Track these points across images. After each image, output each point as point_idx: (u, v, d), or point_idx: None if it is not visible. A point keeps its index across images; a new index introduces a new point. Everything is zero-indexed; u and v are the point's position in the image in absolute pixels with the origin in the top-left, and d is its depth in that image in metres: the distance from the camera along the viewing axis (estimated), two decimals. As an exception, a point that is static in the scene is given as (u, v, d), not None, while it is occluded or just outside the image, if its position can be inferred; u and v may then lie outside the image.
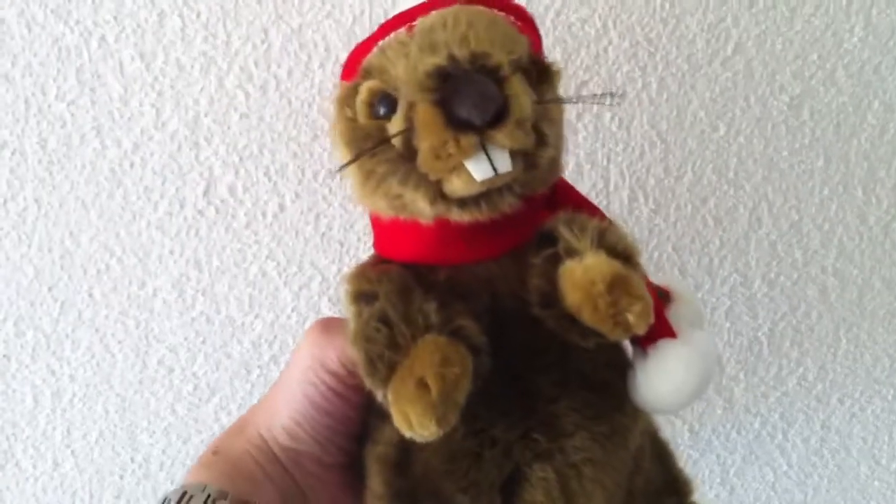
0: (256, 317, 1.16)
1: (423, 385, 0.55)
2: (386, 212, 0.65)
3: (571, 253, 0.62)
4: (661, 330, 0.66)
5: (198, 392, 1.18)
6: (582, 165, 1.16)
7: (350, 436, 0.75)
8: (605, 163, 1.17)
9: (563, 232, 0.63)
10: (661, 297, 0.75)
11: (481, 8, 0.62)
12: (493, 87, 0.55)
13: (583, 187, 1.14)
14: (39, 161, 1.06)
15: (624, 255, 0.63)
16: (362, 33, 1.06)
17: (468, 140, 0.55)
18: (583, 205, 0.71)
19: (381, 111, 0.61)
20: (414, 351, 0.58)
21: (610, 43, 1.13)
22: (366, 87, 0.62)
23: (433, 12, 0.61)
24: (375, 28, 0.65)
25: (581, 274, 0.59)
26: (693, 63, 1.16)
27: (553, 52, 1.12)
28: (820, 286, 1.29)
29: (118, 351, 1.15)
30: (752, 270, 1.26)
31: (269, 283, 1.15)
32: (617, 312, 0.57)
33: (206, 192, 1.10)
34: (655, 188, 1.20)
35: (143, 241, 1.11)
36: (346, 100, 0.64)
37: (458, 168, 0.56)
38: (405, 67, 0.58)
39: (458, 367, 0.57)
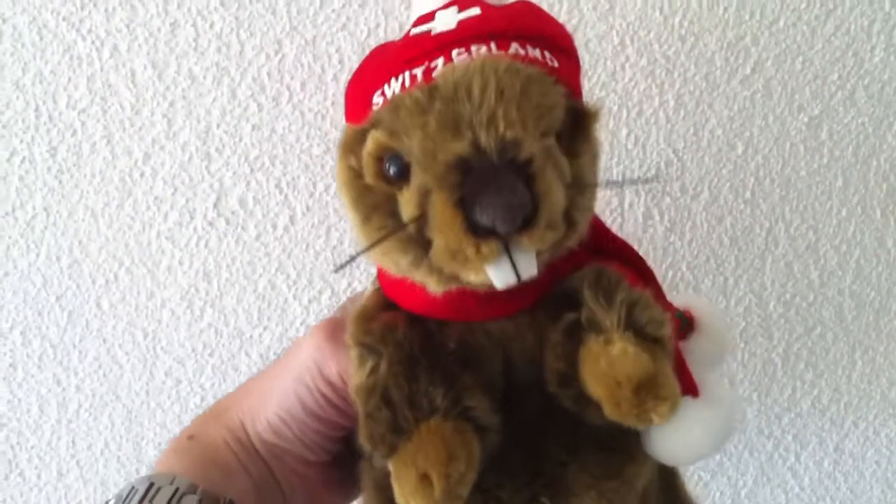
0: (265, 329, 1.15)
1: (425, 479, 0.53)
2: (391, 273, 0.60)
3: (594, 326, 0.58)
4: (683, 386, 0.60)
5: (204, 404, 1.16)
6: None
7: (337, 439, 0.73)
8: (620, 180, 1.16)
9: (588, 299, 0.59)
10: (685, 328, 0.72)
11: (515, 64, 0.54)
12: (523, 191, 0.48)
13: (597, 205, 1.13)
14: (49, 169, 1.06)
15: (653, 337, 0.58)
16: (376, 45, 1.05)
17: (489, 247, 0.49)
18: (612, 246, 0.67)
19: (391, 172, 0.55)
20: (418, 436, 0.56)
21: (627, 60, 1.12)
22: (375, 140, 0.55)
23: (457, 60, 0.54)
24: (386, 50, 0.62)
25: (605, 368, 0.55)
26: (711, 81, 1.15)
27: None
28: (836, 308, 1.28)
29: (125, 361, 1.14)
30: (768, 291, 1.25)
31: (279, 295, 1.14)
32: (641, 412, 0.54)
33: (216, 204, 1.09)
34: (671, 206, 1.18)
35: (153, 251, 1.10)
36: (352, 146, 0.58)
37: (477, 270, 0.51)
38: (422, 145, 0.52)
39: (464, 463, 0.54)
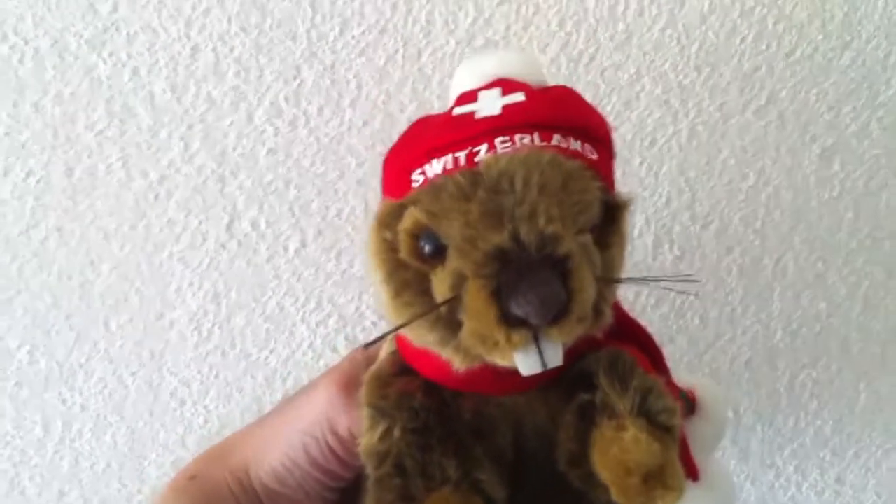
0: (271, 352, 1.15)
1: None
2: (415, 344, 0.61)
3: (608, 410, 0.58)
4: (685, 469, 0.61)
5: (208, 426, 1.16)
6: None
7: (336, 490, 0.73)
8: (631, 208, 1.16)
9: (604, 382, 0.59)
10: (687, 409, 0.72)
11: (557, 157, 0.55)
12: (558, 286, 0.49)
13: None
14: (64, 190, 1.05)
15: (665, 426, 0.58)
16: (394, 72, 1.06)
17: (520, 336, 0.50)
18: (627, 327, 0.68)
19: (427, 250, 0.55)
20: None
21: (642, 89, 1.12)
22: (413, 218, 0.56)
23: (501, 149, 0.55)
24: (428, 126, 0.62)
25: (617, 454, 0.55)
26: (725, 111, 1.15)
27: (585, 96, 1.09)
28: (842, 339, 1.27)
29: (131, 382, 1.13)
30: (775, 321, 1.25)
31: (287, 318, 1.14)
32: (648, 500, 0.54)
33: (228, 226, 1.09)
34: (681, 235, 1.18)
35: (164, 273, 1.09)
36: (388, 220, 0.58)
37: (505, 356, 0.52)
38: (462, 232, 0.52)
39: None
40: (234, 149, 1.06)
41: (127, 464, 1.17)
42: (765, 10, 1.12)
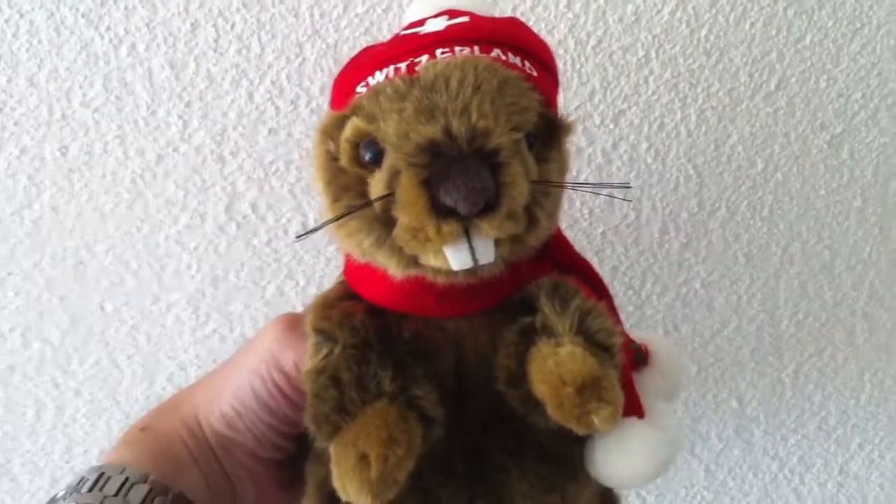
0: (271, 337, 1.13)
1: (364, 459, 0.54)
2: (356, 257, 0.62)
3: (548, 331, 0.60)
4: (629, 406, 0.63)
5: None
6: (614, 195, 1.13)
7: (289, 436, 0.73)
8: (637, 193, 1.15)
9: (544, 305, 0.61)
10: (639, 360, 0.74)
11: (494, 64, 0.57)
12: (487, 177, 0.51)
13: (613, 219, 1.12)
14: (59, 168, 1.03)
15: (603, 345, 0.60)
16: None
17: (450, 228, 0.52)
18: (573, 263, 0.69)
19: (366, 157, 0.57)
20: (361, 417, 0.57)
21: (651, 73, 1.11)
22: (353, 126, 0.58)
23: (440, 57, 0.57)
24: (374, 47, 0.63)
25: (552, 367, 0.56)
26: (734, 97, 1.13)
27: (592, 79, 1.09)
28: (848, 329, 1.27)
29: (126, 366, 1.11)
30: (780, 310, 1.24)
31: (286, 302, 1.12)
32: (582, 413, 0.55)
33: (228, 208, 1.07)
34: (688, 222, 1.17)
35: (160, 254, 1.07)
36: (330, 131, 0.60)
37: (436, 251, 0.54)
38: (396, 128, 0.54)
39: (403, 447, 0.55)
40: (235, 128, 1.05)
41: (121, 450, 1.15)
42: (775, -5, 1.11)
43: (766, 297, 1.23)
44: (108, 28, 1.00)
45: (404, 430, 0.56)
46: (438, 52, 0.58)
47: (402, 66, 0.57)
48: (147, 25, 1.00)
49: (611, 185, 0.63)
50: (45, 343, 1.09)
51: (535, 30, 0.65)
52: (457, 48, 0.58)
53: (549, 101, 0.62)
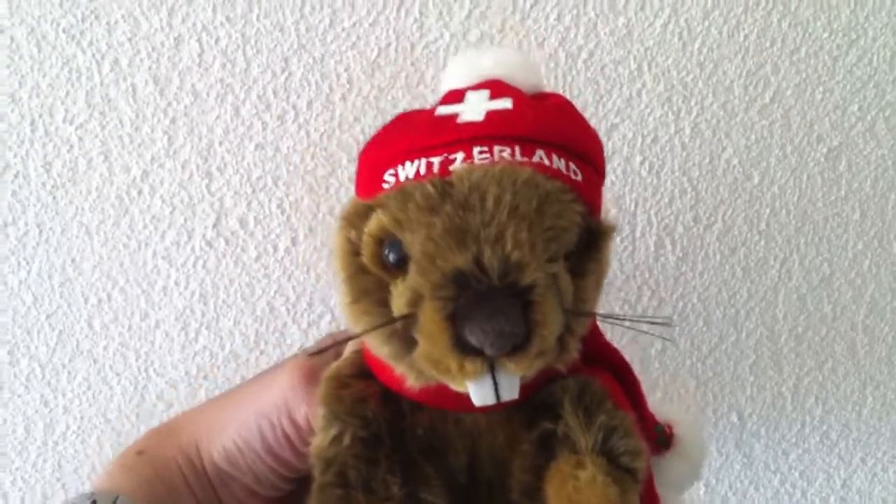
0: (262, 353, 1.12)
1: None
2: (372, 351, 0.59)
3: (569, 443, 0.56)
4: (646, 501, 0.61)
5: (196, 429, 1.14)
6: (608, 209, 1.12)
7: (288, 479, 0.72)
8: (632, 207, 1.13)
9: (568, 414, 0.58)
10: (661, 443, 0.71)
11: (535, 176, 0.53)
12: (517, 318, 0.47)
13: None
14: (43, 185, 1.02)
15: (626, 468, 0.56)
16: (386, 66, 1.03)
17: (474, 367, 0.48)
18: (601, 352, 0.66)
19: (390, 259, 0.53)
20: None
21: (644, 86, 1.10)
22: (378, 223, 0.54)
23: (478, 159, 0.53)
24: (410, 123, 0.60)
25: (571, 493, 0.53)
26: (729, 110, 1.12)
27: (584, 93, 1.08)
28: (848, 342, 1.25)
29: (116, 383, 1.10)
30: (780, 324, 1.22)
31: (277, 318, 1.11)
32: None
33: (215, 224, 1.06)
34: (684, 236, 1.16)
35: (148, 271, 1.07)
36: (354, 220, 0.56)
37: (458, 384, 0.50)
38: (423, 247, 0.50)
39: None
40: (221, 143, 1.04)
41: (112, 467, 1.14)
42: (769, 7, 1.10)
43: (764, 310, 1.22)
44: (91, 43, 0.99)
45: None
46: (476, 150, 0.54)
47: (436, 161, 0.54)
48: (130, 41, 1.00)
49: (651, 321, 0.59)
50: (34, 360, 1.08)
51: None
52: (496, 148, 0.54)
53: (593, 208, 0.58)
